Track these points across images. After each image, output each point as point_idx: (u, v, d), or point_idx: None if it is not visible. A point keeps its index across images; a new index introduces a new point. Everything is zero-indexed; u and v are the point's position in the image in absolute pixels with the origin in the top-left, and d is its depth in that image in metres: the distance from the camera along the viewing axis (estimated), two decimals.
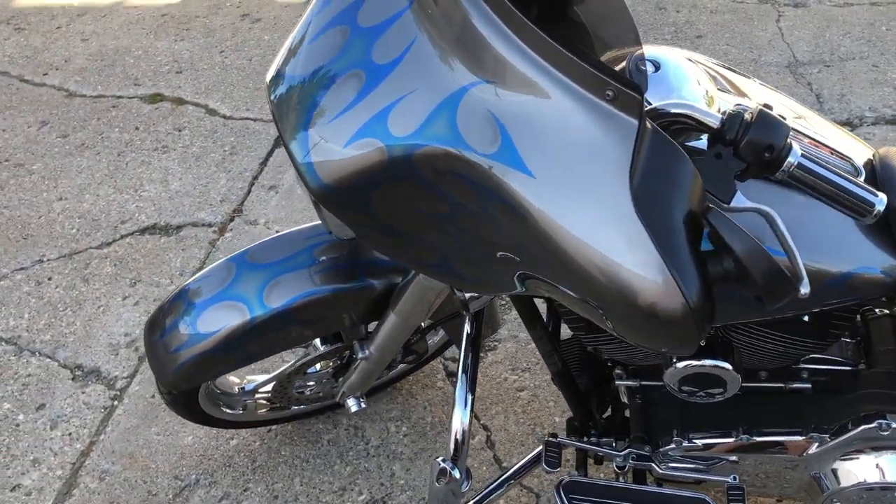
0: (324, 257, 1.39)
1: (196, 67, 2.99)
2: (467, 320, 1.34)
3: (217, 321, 1.36)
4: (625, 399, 1.42)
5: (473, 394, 1.31)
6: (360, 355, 1.45)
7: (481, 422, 1.83)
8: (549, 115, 0.78)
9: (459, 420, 1.30)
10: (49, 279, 2.20)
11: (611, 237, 0.77)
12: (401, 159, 0.86)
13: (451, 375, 1.90)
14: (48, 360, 1.99)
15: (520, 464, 1.54)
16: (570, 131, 0.77)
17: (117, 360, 1.98)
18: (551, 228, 0.78)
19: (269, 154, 2.60)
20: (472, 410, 1.31)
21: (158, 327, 1.41)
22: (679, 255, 0.77)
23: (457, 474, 1.27)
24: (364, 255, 1.39)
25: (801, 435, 1.24)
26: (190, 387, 1.45)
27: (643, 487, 1.37)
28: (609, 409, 1.47)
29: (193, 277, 1.44)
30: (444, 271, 0.97)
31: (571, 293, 0.84)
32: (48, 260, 2.27)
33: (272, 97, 0.99)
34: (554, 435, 1.45)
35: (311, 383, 1.65)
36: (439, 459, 1.28)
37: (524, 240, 0.82)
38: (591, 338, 1.22)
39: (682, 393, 1.17)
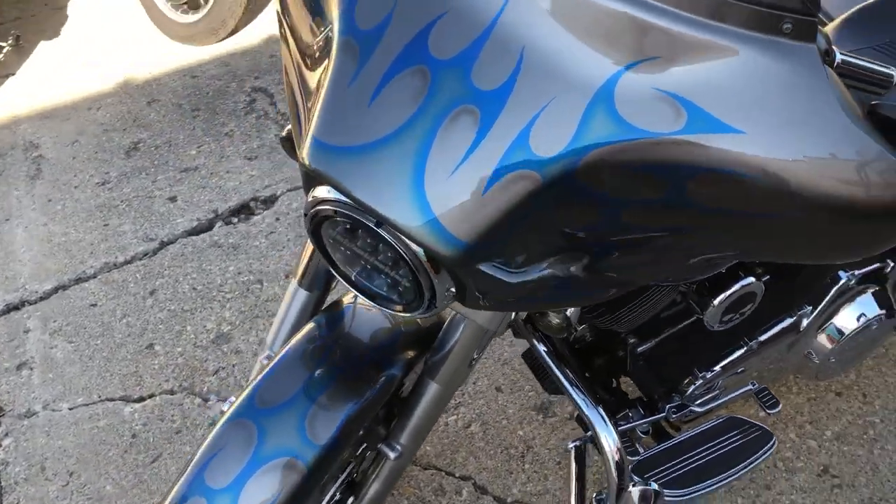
0: (334, 363, 1.17)
1: None
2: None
3: (268, 489, 1.06)
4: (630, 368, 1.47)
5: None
6: (391, 456, 1.24)
7: (456, 475, 1.71)
8: (733, 71, 0.74)
9: None
10: None
11: (842, 151, 0.75)
12: (561, 179, 0.74)
13: None
14: None
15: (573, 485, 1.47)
16: (763, 78, 0.74)
17: None
18: (777, 168, 0.74)
19: None
20: None
21: None
22: None
23: None
24: (366, 342, 1.21)
25: (792, 317, 1.43)
26: None
27: (699, 429, 1.46)
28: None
29: (195, 462, 1.08)
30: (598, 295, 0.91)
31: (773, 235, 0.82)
32: None
33: (330, 174, 0.79)
34: (578, 440, 1.45)
35: None
36: None
37: (736, 195, 0.77)
38: (612, 316, 1.22)
39: (721, 324, 1.25)
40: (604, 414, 1.14)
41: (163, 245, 2.30)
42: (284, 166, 2.54)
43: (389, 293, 0.87)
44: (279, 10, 0.99)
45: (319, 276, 1.20)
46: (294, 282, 1.22)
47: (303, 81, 0.94)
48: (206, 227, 2.35)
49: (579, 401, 1.13)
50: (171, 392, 1.89)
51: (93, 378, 1.93)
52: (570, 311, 1.07)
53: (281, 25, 0.99)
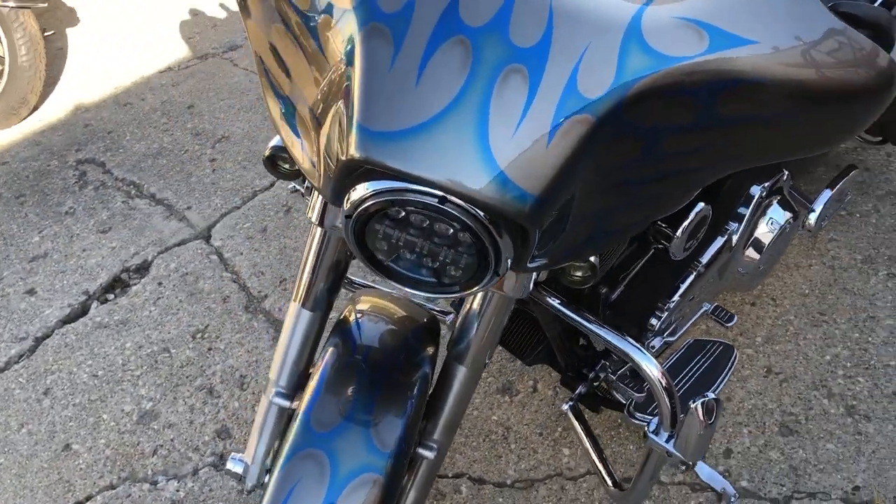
0: (370, 376, 1.13)
1: None
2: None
3: None
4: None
5: None
6: (430, 456, 1.21)
7: (449, 476, 1.68)
8: None
9: None
10: None
11: (834, 42, 0.85)
12: (612, 116, 0.78)
13: None
14: None
15: (586, 442, 1.51)
16: None
17: None
18: (786, 67, 0.82)
19: None
20: None
21: None
22: None
23: None
24: (388, 349, 1.19)
25: (724, 236, 1.57)
26: None
27: (671, 360, 1.57)
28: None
29: None
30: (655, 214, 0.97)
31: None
32: None
33: (387, 161, 0.78)
34: (569, 400, 1.52)
35: None
36: None
37: (756, 101, 0.85)
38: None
39: (684, 252, 1.36)
40: (638, 345, 1.19)
41: (38, 341, 2.05)
42: (146, 230, 2.37)
43: (443, 276, 0.87)
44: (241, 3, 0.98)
45: (321, 294, 1.16)
46: (295, 305, 1.16)
47: (295, 80, 0.92)
48: (82, 312, 2.13)
49: (611, 337, 1.17)
50: (112, 486, 1.70)
51: (9, 502, 1.68)
52: (593, 258, 1.10)
53: (247, 17, 0.97)
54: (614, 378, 1.54)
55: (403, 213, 0.80)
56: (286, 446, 1.03)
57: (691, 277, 1.50)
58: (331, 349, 1.12)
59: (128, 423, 1.83)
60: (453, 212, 0.77)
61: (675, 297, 1.48)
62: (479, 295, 1.10)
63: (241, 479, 1.27)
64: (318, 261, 1.12)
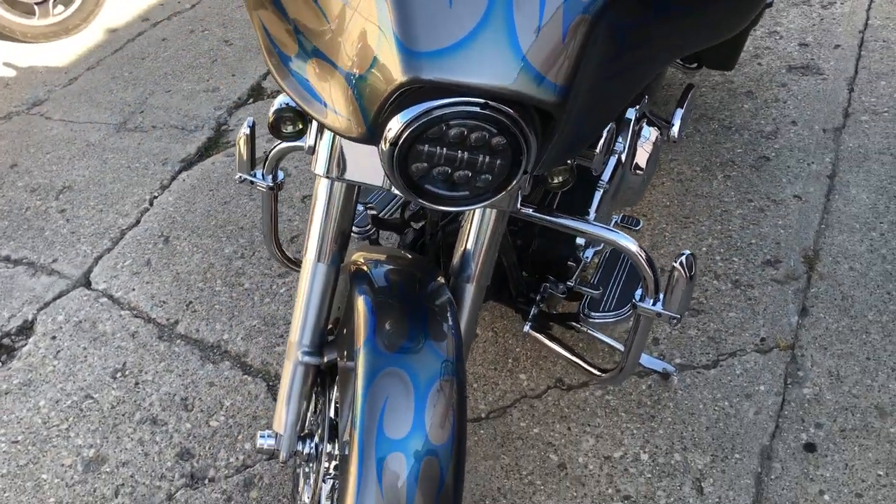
0: (410, 312, 1.19)
1: None
2: None
3: (444, 405, 1.08)
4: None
5: None
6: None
7: None
8: None
9: None
10: None
11: None
12: (602, 14, 0.90)
13: None
14: None
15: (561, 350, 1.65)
16: None
17: None
18: None
19: None
20: None
21: None
22: None
23: None
24: (411, 287, 1.25)
25: (615, 154, 1.79)
26: None
27: (600, 272, 1.77)
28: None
29: (358, 427, 1.03)
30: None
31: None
32: None
33: (435, 76, 0.86)
34: (527, 323, 1.67)
35: None
36: None
37: None
38: None
39: (602, 166, 1.56)
40: (614, 229, 1.35)
41: None
42: (14, 291, 2.19)
43: (475, 185, 0.94)
44: None
45: (335, 246, 1.19)
46: (310, 261, 1.18)
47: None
48: None
49: (593, 228, 1.32)
50: None
51: None
52: (571, 161, 1.25)
53: None
54: (560, 295, 1.70)
55: (444, 129, 0.87)
56: (358, 373, 1.06)
57: (599, 194, 1.70)
58: (361, 296, 1.15)
59: (74, 475, 1.71)
60: (494, 115, 0.87)
61: (592, 213, 1.68)
62: (477, 216, 1.20)
63: (273, 454, 1.27)
64: (327, 213, 1.17)
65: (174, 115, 2.93)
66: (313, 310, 1.21)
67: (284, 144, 1.36)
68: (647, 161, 1.85)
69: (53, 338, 2.05)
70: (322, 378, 1.33)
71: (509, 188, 0.95)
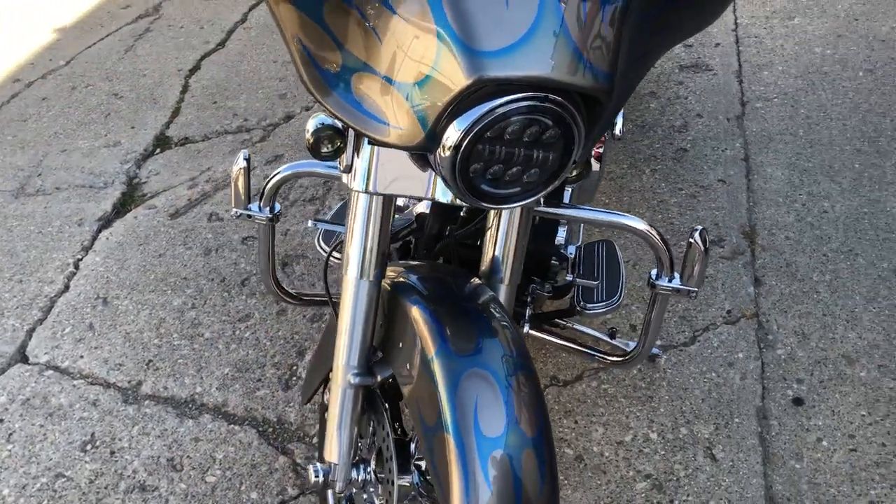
0: (465, 313, 1.19)
1: None
2: None
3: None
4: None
5: None
6: None
7: None
8: None
9: None
10: None
11: None
12: (632, 2, 0.98)
13: None
14: None
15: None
16: None
17: None
18: None
19: None
20: None
21: None
22: None
23: None
24: (460, 287, 1.26)
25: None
26: None
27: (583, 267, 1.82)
28: None
29: (455, 428, 1.01)
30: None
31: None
32: None
33: (500, 74, 0.89)
34: (524, 323, 1.70)
35: None
36: None
37: None
38: None
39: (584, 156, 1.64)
40: (624, 213, 1.41)
41: None
42: None
43: (527, 178, 0.97)
44: None
45: (376, 261, 1.17)
46: (352, 279, 1.15)
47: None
48: None
49: (602, 215, 1.36)
50: None
51: None
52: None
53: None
54: (546, 294, 1.74)
55: (503, 127, 0.89)
56: (438, 381, 1.04)
57: (570, 190, 1.77)
58: (415, 306, 1.13)
59: None
60: (553, 107, 0.89)
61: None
62: (505, 216, 1.22)
63: (325, 487, 1.22)
64: (367, 229, 1.15)
65: (78, 174, 2.75)
66: (359, 329, 1.17)
67: (280, 175, 1.35)
68: (603, 157, 1.93)
69: (0, 421, 1.86)
70: (368, 400, 1.29)
71: (558, 180, 0.98)
